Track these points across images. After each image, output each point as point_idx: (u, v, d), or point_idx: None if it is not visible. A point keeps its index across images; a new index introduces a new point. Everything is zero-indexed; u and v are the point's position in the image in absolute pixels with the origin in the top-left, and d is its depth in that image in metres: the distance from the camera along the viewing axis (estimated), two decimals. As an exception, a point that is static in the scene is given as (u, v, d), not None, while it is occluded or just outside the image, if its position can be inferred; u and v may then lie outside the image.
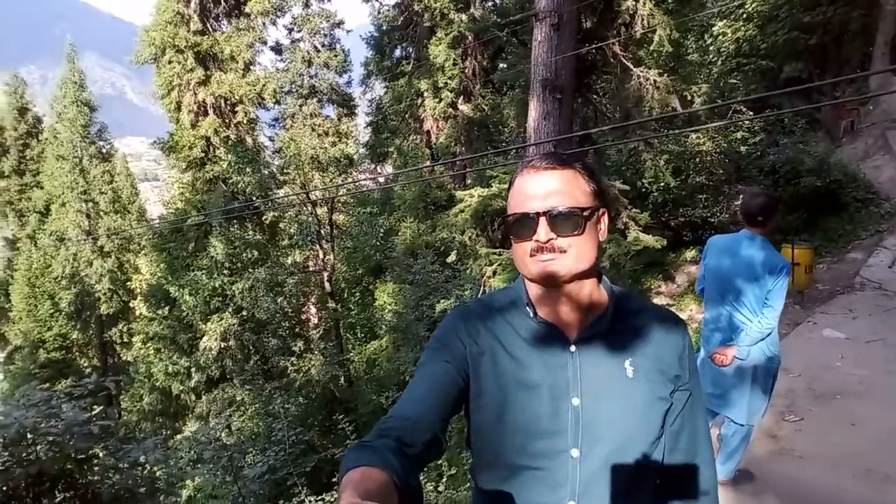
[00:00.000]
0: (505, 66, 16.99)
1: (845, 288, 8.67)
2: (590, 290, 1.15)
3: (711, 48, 17.19)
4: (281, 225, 18.63)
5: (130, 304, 21.78)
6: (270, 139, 20.53)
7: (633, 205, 9.22)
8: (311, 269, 18.05)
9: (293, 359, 15.75)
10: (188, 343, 15.97)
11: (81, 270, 22.88)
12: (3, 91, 26.54)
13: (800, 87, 11.98)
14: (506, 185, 8.26)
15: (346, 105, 21.28)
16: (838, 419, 4.58)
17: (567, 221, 1.08)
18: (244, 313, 15.73)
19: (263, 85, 17.29)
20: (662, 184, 11.35)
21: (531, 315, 1.17)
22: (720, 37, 16.56)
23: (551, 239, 1.07)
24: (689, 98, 8.56)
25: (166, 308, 16.77)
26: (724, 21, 16.42)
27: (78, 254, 22.89)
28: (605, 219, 1.18)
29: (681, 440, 1.19)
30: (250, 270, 15.60)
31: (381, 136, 20.94)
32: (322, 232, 17.41)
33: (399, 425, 0.99)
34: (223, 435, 11.20)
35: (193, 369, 15.56)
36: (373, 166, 21.77)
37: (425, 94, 18.82)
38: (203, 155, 16.71)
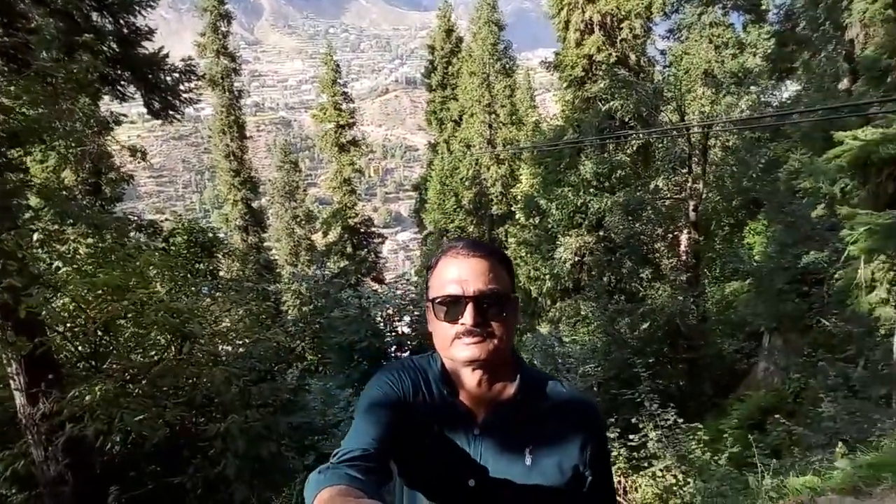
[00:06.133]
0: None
1: None
2: (504, 374, 1.19)
3: None
4: (657, 148, 18.01)
5: (512, 209, 24.33)
6: (662, 53, 19.67)
7: None
8: (678, 195, 17.18)
9: (644, 283, 15.63)
10: (548, 253, 17.25)
11: (481, 174, 26.31)
12: (435, 15, 30.90)
13: None
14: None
15: (754, 10, 18.95)
16: None
17: (493, 307, 1.12)
18: (601, 232, 16.12)
19: (653, -4, 16.46)
20: None
21: (444, 393, 1.20)
22: None
23: (478, 323, 1.11)
24: None
25: (537, 218, 18.28)
26: None
27: (479, 160, 26.29)
28: (518, 306, 1.23)
29: None
30: (608, 193, 15.74)
31: (786, 48, 17.97)
32: (695, 156, 16.26)
33: (349, 458, 1.02)
34: (555, 343, 12.09)
35: (548, 276, 16.88)
36: (770, 83, 19.03)
37: (857, -8, 15.29)
38: (584, 74, 17.04)
